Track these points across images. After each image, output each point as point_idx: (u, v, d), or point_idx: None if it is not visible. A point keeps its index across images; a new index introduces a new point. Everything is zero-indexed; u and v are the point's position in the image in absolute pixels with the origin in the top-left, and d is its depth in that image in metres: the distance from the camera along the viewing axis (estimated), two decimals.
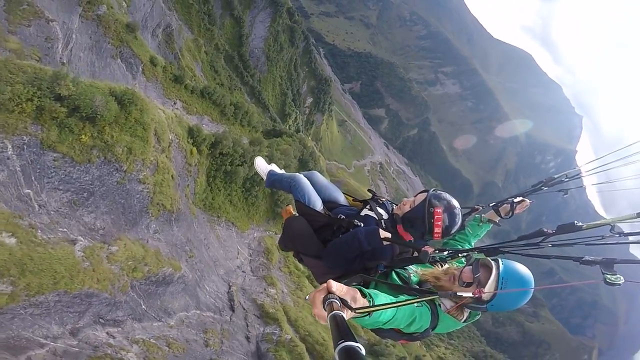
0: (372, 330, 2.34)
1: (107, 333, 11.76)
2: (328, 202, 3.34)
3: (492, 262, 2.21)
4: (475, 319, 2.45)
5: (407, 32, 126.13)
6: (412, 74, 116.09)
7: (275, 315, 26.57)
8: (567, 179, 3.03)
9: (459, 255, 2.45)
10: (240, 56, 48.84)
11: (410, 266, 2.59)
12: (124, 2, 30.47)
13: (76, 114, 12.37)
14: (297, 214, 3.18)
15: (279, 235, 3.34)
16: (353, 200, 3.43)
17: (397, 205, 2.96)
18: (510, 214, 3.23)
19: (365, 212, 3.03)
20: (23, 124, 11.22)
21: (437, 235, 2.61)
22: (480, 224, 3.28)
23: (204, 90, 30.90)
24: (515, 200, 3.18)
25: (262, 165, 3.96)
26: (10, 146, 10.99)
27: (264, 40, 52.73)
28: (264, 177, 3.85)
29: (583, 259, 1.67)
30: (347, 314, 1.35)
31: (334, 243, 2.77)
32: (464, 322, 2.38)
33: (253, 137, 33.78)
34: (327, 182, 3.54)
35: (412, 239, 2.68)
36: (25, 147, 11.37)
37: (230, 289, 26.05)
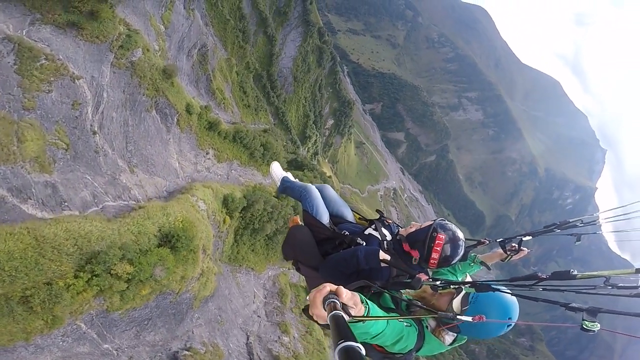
0: None
1: None
2: (335, 217, 3.51)
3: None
4: (461, 343, 2.54)
5: (434, 54, 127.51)
6: (435, 97, 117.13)
7: None
8: (582, 224, 3.11)
9: (450, 287, 2.47)
10: (269, 76, 49.80)
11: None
12: (161, 26, 31.06)
13: (134, 281, 13.67)
14: (303, 224, 3.36)
15: (283, 243, 3.50)
16: (360, 218, 3.59)
17: (403, 228, 3.10)
18: (508, 259, 3.39)
19: (369, 231, 3.15)
20: (87, 304, 12.59)
21: (432, 263, 2.70)
22: (472, 264, 3.40)
23: (236, 135, 31.91)
24: (525, 238, 3.32)
25: (277, 172, 4.22)
26: (83, 325, 12.78)
27: (293, 60, 53.68)
28: (278, 183, 4.10)
29: (570, 305, 1.77)
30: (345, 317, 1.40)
31: (332, 257, 2.93)
32: (450, 345, 2.48)
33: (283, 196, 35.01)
34: (337, 197, 3.69)
35: (416, 257, 2.77)
36: (94, 318, 13.19)
37: (248, 339, 27.04)
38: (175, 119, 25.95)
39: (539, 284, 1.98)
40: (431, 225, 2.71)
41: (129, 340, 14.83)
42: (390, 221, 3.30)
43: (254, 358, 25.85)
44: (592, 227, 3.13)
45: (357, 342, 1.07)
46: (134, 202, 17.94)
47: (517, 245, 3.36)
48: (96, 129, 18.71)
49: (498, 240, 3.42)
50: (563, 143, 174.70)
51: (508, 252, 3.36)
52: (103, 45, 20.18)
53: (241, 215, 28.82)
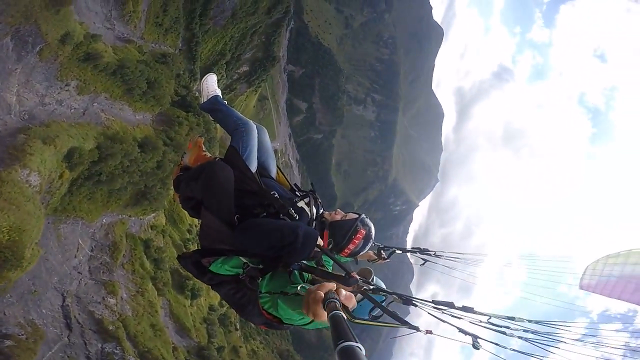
0: (238, 312, 2.73)
1: None
2: (260, 167, 3.10)
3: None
4: None
5: (373, 50, 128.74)
6: (349, 86, 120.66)
7: (115, 333, 26.75)
8: (433, 255, 3.80)
9: (380, 292, 2.47)
10: (207, 2, 42.08)
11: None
12: None
13: None
14: (224, 162, 2.87)
15: (182, 172, 3.12)
16: (293, 186, 3.25)
17: (327, 212, 3.05)
18: (374, 261, 3.69)
19: (301, 204, 2.90)
20: None
21: (346, 253, 2.82)
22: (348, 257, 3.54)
23: (118, 70, 26.70)
24: (397, 251, 3.84)
25: (211, 85, 3.63)
26: None
27: None
28: (205, 98, 3.57)
29: (463, 329, 2.19)
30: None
31: (264, 223, 2.60)
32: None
33: (147, 138, 31.32)
34: (270, 145, 3.38)
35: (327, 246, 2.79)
36: None
37: (64, 301, 25.12)
38: (38, 48, 20.11)
39: (451, 310, 2.34)
40: (357, 218, 2.84)
41: None
42: (319, 199, 3.09)
43: (72, 323, 24.38)
44: (436, 259, 3.89)
45: (357, 342, 1.07)
46: None
47: (384, 254, 3.78)
48: None
49: (378, 245, 3.74)
50: (415, 164, 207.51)
51: (377, 256, 3.71)
52: None
53: (87, 168, 24.81)
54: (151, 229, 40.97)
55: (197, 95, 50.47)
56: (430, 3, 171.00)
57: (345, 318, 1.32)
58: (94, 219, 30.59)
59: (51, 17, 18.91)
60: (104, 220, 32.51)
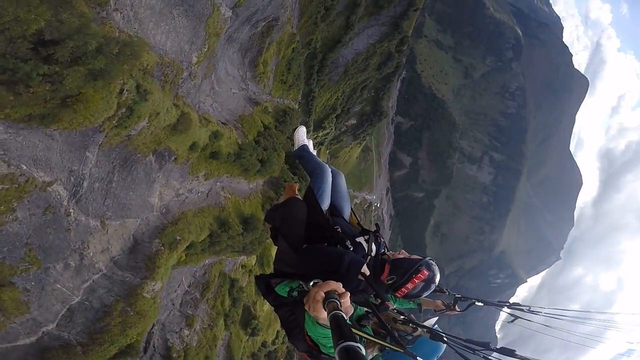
0: (287, 334, 2.92)
1: None
2: (333, 208, 3.65)
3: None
4: None
5: (497, 102, 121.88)
6: (464, 142, 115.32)
7: None
8: (527, 311, 3.60)
9: (410, 324, 2.64)
10: (324, 59, 46.68)
11: None
12: (229, 12, 26.76)
13: None
14: (302, 199, 3.50)
15: (272, 207, 3.72)
16: (357, 223, 3.77)
17: (390, 251, 3.38)
18: (443, 311, 3.77)
19: (360, 239, 3.28)
20: None
21: (402, 292, 3.00)
22: (411, 302, 3.72)
23: (237, 159, 31.26)
24: (478, 303, 3.71)
25: (300, 137, 4.47)
26: None
27: (356, 54, 50.05)
28: (296, 146, 4.40)
29: None
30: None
31: (318, 248, 3.03)
32: (371, 359, 2.68)
33: (252, 216, 35.43)
34: (345, 189, 3.89)
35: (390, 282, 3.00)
36: None
37: (152, 328, 28.73)
38: (173, 158, 23.69)
39: (485, 352, 2.30)
40: (421, 260, 3.11)
41: None
42: (382, 239, 3.50)
43: (148, 347, 27.92)
44: (532, 317, 3.61)
45: (357, 342, 1.12)
46: (95, 274, 18.19)
47: (458, 306, 3.78)
48: (71, 210, 16.83)
49: (456, 295, 3.82)
50: (533, 238, 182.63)
51: (446, 306, 3.75)
52: (90, 129, 16.04)
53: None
54: (241, 268, 44.71)
55: (313, 136, 55.37)
56: (571, 50, 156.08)
57: (346, 318, 1.40)
58: (198, 263, 35.32)
59: (176, 139, 22.81)
60: (207, 261, 36.97)
